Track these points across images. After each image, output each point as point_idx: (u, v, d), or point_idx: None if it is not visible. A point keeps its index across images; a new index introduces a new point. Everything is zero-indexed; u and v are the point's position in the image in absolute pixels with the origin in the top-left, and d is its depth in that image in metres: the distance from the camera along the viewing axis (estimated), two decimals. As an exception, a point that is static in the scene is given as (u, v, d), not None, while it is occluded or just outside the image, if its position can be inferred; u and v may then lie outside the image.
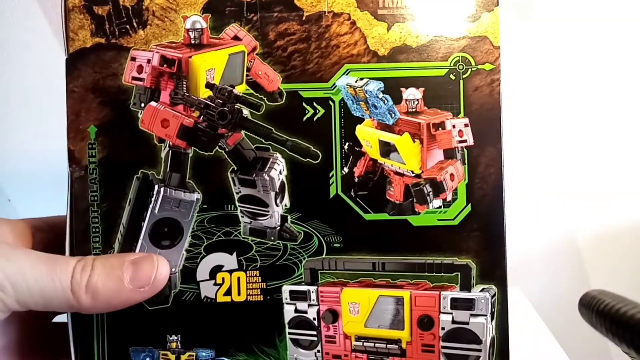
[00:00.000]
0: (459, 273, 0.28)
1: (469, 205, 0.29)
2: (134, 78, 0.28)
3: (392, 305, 0.28)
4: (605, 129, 0.68)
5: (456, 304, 0.28)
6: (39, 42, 0.59)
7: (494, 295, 0.28)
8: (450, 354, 0.28)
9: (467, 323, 0.28)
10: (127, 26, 0.28)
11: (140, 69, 0.28)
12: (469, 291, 0.28)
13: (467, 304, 0.28)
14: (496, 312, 0.28)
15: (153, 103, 0.28)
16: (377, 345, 0.28)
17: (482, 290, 0.28)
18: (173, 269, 0.28)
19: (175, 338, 0.28)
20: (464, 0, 0.29)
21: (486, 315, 0.28)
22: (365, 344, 0.29)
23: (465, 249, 0.28)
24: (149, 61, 0.28)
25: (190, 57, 0.28)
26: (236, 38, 0.28)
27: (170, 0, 0.28)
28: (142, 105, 0.28)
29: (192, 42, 0.28)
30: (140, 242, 0.28)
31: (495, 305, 0.28)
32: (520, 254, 0.71)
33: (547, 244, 0.73)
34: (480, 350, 0.28)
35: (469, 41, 0.29)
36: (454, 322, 0.28)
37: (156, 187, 0.28)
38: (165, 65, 0.28)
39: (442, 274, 0.28)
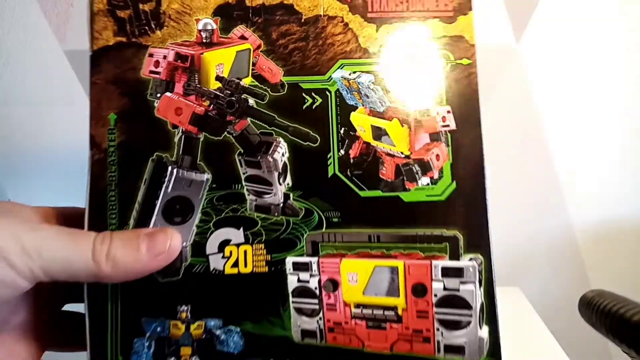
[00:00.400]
0: (447, 243, 0.31)
1: (454, 182, 0.32)
2: (151, 72, 0.31)
3: (387, 275, 0.31)
4: (605, 129, 0.68)
5: (447, 272, 0.30)
6: (39, 42, 0.59)
7: (481, 263, 0.31)
8: (443, 320, 0.30)
9: (458, 290, 0.30)
10: (146, 27, 0.32)
11: (157, 64, 0.31)
12: (458, 260, 0.31)
13: (456, 272, 0.30)
14: (484, 279, 0.31)
15: (168, 93, 0.31)
16: (375, 312, 0.30)
17: (470, 259, 0.31)
18: (184, 243, 0.30)
19: (185, 308, 0.30)
20: (442, 5, 0.33)
21: (474, 282, 0.30)
22: (363, 310, 0.30)
23: (453, 222, 0.31)
24: (165, 57, 0.31)
25: (202, 54, 0.32)
26: (243, 37, 0.32)
27: (184, 5, 0.32)
28: (158, 95, 0.31)
29: (204, 41, 0.32)
30: (154, 218, 0.30)
31: (482, 273, 0.31)
32: (520, 254, 0.71)
33: (547, 244, 0.72)
34: (471, 316, 0.30)
35: (448, 40, 0.33)
36: (445, 289, 0.30)
37: (169, 168, 0.31)
38: (179, 61, 0.31)
39: (432, 244, 0.31)
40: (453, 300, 0.30)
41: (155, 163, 0.31)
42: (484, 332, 0.30)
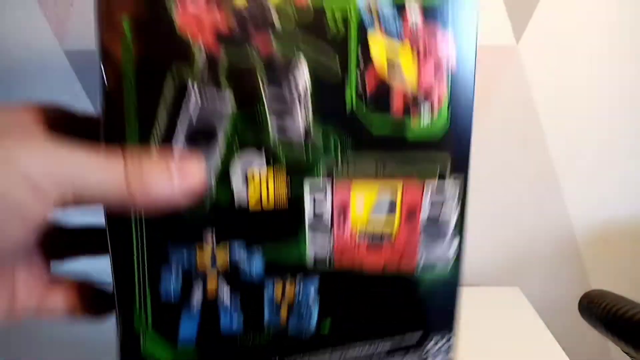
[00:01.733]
0: (438, 166, 0.35)
1: (450, 123, 0.35)
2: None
3: (388, 197, 0.34)
4: (605, 129, 0.67)
5: (435, 191, 0.35)
6: (39, 42, 0.57)
7: (461, 182, 0.36)
8: (426, 239, 0.35)
9: (440, 211, 0.35)
10: None
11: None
12: (444, 180, 0.35)
13: (442, 190, 0.35)
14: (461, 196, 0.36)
15: (191, 7, 0.28)
16: (374, 235, 0.35)
17: (454, 179, 0.35)
18: (209, 170, 0.30)
19: (210, 233, 0.31)
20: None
21: (454, 200, 0.36)
22: (366, 234, 0.34)
23: (443, 151, 0.35)
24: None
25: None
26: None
27: None
28: (179, 8, 0.28)
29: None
30: (177, 142, 0.29)
31: (459, 190, 0.36)
32: (520, 254, 0.71)
33: (547, 244, 0.72)
34: (447, 234, 0.36)
35: None
36: (431, 210, 0.35)
37: (193, 94, 0.29)
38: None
39: (426, 165, 0.35)
40: (437, 219, 0.35)
41: (176, 83, 0.29)
42: (454, 245, 0.37)
